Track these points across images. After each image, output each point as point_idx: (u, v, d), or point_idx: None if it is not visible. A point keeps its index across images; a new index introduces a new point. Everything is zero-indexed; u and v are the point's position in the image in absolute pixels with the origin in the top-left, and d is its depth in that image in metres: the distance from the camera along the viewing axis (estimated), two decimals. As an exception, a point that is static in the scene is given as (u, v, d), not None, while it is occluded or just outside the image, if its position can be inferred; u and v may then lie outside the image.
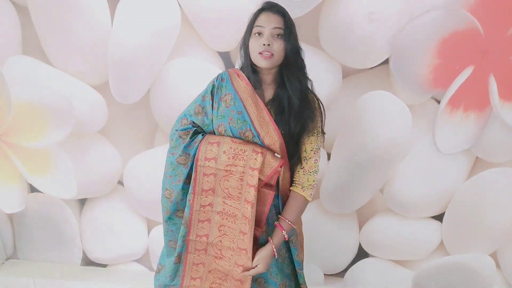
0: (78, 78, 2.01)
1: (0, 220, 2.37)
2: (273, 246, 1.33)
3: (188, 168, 1.35)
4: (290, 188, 1.38)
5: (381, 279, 2.21)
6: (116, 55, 1.89)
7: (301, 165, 1.37)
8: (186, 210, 1.35)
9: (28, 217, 2.33)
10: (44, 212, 2.30)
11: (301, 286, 1.50)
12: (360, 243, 2.18)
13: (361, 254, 2.19)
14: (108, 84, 1.98)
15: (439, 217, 2.09)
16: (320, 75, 1.87)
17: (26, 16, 1.95)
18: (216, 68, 1.91)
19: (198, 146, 1.33)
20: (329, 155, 2.02)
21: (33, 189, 2.28)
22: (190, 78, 1.92)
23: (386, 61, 1.84)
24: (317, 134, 1.36)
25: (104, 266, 2.39)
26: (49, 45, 1.98)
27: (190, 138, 1.36)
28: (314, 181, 1.37)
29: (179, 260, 1.41)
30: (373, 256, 2.20)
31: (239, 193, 1.31)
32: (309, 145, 1.35)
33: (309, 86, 1.39)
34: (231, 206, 1.34)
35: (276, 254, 1.34)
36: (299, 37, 1.86)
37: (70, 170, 2.15)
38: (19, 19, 1.98)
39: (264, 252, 1.33)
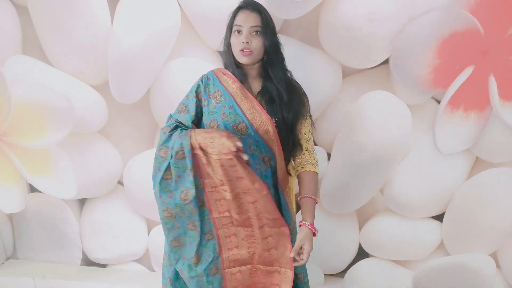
0: (78, 78, 2.01)
1: (0, 220, 2.36)
2: (308, 224, 1.38)
3: (168, 161, 1.37)
4: (302, 171, 1.46)
5: (381, 279, 2.21)
6: (116, 55, 1.89)
7: (302, 148, 1.46)
8: (200, 192, 1.38)
9: (28, 217, 2.33)
10: (44, 212, 2.29)
11: (298, 275, 1.52)
12: (360, 243, 2.18)
13: (361, 254, 2.19)
14: (108, 84, 1.98)
15: (439, 217, 2.08)
16: (320, 75, 1.87)
17: (26, 16, 1.95)
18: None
19: (189, 137, 1.35)
20: (329, 155, 2.02)
21: (33, 189, 2.28)
22: (190, 78, 1.91)
23: (386, 61, 1.84)
24: (309, 116, 1.48)
25: (104, 266, 2.39)
26: (49, 45, 1.98)
27: (169, 132, 1.42)
28: (316, 159, 1.48)
29: (211, 236, 1.42)
30: (373, 256, 2.20)
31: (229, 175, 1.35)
32: (305, 127, 1.47)
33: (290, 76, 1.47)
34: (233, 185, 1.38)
35: (315, 232, 1.39)
36: (299, 37, 1.87)
37: (70, 170, 2.15)
38: (19, 19, 1.98)
39: (303, 234, 1.36)
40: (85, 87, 2.02)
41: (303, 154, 1.47)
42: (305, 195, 1.42)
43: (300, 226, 1.39)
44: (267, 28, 1.37)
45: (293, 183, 1.57)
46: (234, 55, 1.40)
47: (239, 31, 1.37)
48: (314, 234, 1.38)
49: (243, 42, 1.34)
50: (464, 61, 1.77)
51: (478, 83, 1.80)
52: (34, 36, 1.97)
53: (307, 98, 1.48)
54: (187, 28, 1.89)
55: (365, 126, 1.92)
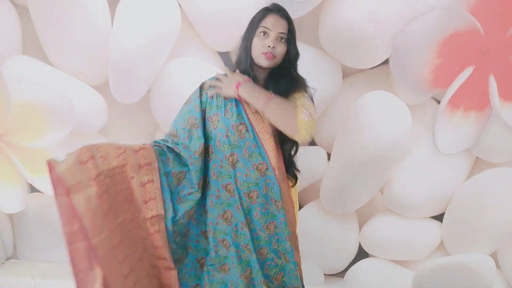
0: (78, 78, 2.01)
1: (0, 220, 2.36)
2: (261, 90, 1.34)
3: None
4: None
5: (381, 279, 2.21)
6: (116, 55, 1.89)
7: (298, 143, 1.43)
8: None
9: (28, 217, 2.33)
10: (44, 212, 2.29)
11: None
12: (360, 243, 2.18)
13: (361, 254, 2.19)
14: (108, 84, 1.98)
15: (439, 217, 2.09)
16: (320, 75, 1.87)
17: (26, 16, 1.95)
18: (216, 68, 1.91)
19: None
20: (329, 155, 2.02)
21: (33, 189, 2.28)
22: (190, 78, 1.91)
23: (386, 61, 1.84)
24: (302, 91, 1.37)
25: (104, 266, 2.39)
26: (49, 45, 1.98)
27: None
28: (312, 113, 1.30)
29: None
30: (373, 256, 2.20)
31: None
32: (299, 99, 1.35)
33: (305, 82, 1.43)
34: None
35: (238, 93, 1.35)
36: (299, 37, 1.87)
37: (70, 170, 2.14)
38: (19, 19, 1.98)
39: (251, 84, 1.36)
40: (85, 87, 2.02)
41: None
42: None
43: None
44: (292, 37, 1.38)
45: (296, 197, 1.55)
46: (254, 56, 1.38)
47: (265, 33, 1.35)
48: (237, 90, 1.35)
49: (268, 46, 1.33)
50: (464, 61, 1.78)
51: (478, 83, 1.80)
52: (34, 36, 1.97)
53: (310, 97, 1.41)
54: (187, 28, 1.89)
55: (365, 126, 1.91)
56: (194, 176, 1.39)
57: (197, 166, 1.40)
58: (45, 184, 2.18)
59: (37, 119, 2.04)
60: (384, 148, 1.93)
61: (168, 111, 1.98)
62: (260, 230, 1.43)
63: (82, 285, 1.20)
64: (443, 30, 1.72)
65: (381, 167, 1.98)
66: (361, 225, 2.15)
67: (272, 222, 1.44)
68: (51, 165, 1.10)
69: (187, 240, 1.48)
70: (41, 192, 2.25)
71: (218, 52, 1.93)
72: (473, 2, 1.68)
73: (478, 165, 1.99)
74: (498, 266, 2.14)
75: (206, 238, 1.48)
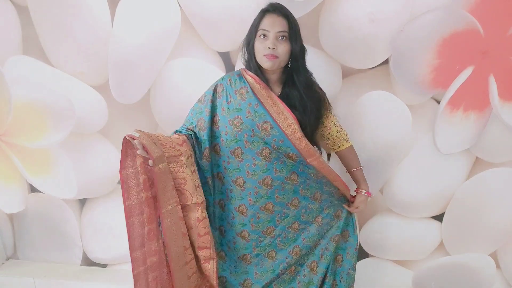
0: (78, 78, 2.01)
1: (0, 220, 2.36)
2: (365, 192, 1.61)
3: None
4: (339, 150, 1.61)
5: (381, 279, 2.21)
6: (116, 55, 1.89)
7: (330, 133, 1.57)
8: None
9: (28, 217, 2.33)
10: (44, 212, 2.29)
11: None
12: (360, 243, 2.18)
13: (361, 254, 2.19)
14: (108, 84, 1.98)
15: (439, 217, 2.09)
16: (320, 75, 1.87)
17: (26, 16, 1.95)
18: (216, 68, 1.91)
19: None
20: (329, 155, 2.02)
21: (33, 189, 2.28)
22: (190, 78, 1.92)
23: (386, 61, 1.84)
24: (330, 109, 1.55)
25: (104, 266, 2.39)
26: (49, 45, 1.98)
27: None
28: (346, 133, 1.61)
29: None
30: (373, 256, 2.20)
31: None
32: (329, 120, 1.54)
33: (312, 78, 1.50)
34: None
35: (370, 195, 1.63)
36: (300, 37, 1.86)
37: (70, 170, 2.15)
38: (19, 19, 1.98)
39: (361, 199, 1.60)
40: (85, 87, 2.02)
41: (336, 135, 1.57)
42: (352, 169, 1.62)
43: (357, 193, 1.62)
44: (294, 33, 1.36)
45: None
46: (257, 59, 1.39)
47: (264, 36, 1.35)
48: (370, 196, 1.62)
49: (269, 48, 1.33)
50: (464, 61, 1.78)
51: (478, 83, 1.80)
52: (34, 36, 1.97)
53: (325, 94, 1.54)
54: (187, 28, 1.89)
55: (365, 126, 1.92)
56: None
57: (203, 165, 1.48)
58: (44, 184, 2.19)
59: (37, 119, 2.04)
60: (384, 148, 1.93)
61: (168, 111, 1.99)
62: (311, 203, 1.55)
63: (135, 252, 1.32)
64: (443, 30, 1.72)
65: (381, 167, 1.98)
66: (361, 225, 2.15)
67: (316, 192, 1.55)
68: (131, 137, 1.23)
69: (224, 243, 1.58)
70: (41, 192, 2.25)
71: (218, 52, 1.93)
72: (473, 2, 1.68)
73: (478, 165, 1.98)
74: (498, 266, 2.14)
75: (243, 237, 1.54)
